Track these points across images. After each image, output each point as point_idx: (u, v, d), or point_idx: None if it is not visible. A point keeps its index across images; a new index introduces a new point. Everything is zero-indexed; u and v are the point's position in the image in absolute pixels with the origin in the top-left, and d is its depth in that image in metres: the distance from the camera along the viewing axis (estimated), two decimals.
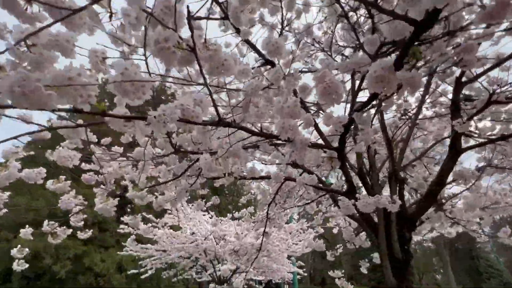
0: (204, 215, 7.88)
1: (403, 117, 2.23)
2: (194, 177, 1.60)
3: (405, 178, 1.71)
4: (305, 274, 7.80)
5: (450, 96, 2.21)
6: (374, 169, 1.86)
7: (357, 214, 1.95)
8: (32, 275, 12.23)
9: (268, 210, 2.09)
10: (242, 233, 6.17)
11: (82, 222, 1.97)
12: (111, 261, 11.71)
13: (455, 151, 1.51)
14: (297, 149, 1.00)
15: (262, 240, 2.18)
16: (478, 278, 31.27)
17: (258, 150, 1.86)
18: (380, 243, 1.46)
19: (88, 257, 11.87)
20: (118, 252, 7.82)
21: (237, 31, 1.55)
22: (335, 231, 4.20)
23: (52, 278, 11.76)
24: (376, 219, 1.62)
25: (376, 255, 3.12)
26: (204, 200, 8.50)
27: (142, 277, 7.28)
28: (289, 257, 8.95)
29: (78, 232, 2.25)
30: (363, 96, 1.85)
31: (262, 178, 2.03)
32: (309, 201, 2.58)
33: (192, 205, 7.64)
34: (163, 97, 21.08)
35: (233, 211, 6.82)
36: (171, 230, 7.23)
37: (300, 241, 8.11)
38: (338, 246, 3.30)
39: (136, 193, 1.46)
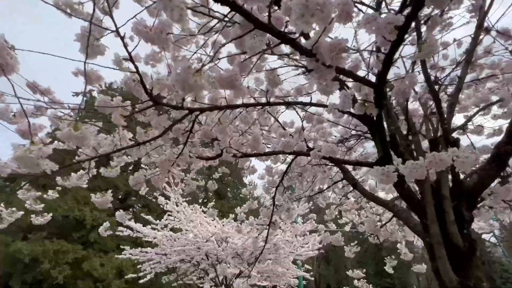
0: (205, 217, 7.51)
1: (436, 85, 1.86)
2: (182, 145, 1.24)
3: (458, 139, 1.32)
4: (312, 279, 7.32)
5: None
6: (414, 131, 1.46)
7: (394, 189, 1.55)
8: (32, 280, 11.91)
9: (275, 194, 1.71)
10: (245, 229, 5.76)
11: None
12: (111, 266, 11.34)
13: None
14: (323, 68, 0.64)
15: (268, 232, 1.79)
16: (491, 284, 30.31)
17: (262, 114, 1.49)
18: (430, 227, 1.07)
19: (87, 262, 11.51)
20: (116, 256, 7.44)
21: None
22: (347, 228, 3.80)
23: (52, 283, 11.42)
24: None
25: (405, 250, 2.69)
26: (205, 201, 8.12)
27: (141, 281, 6.89)
28: (294, 262, 8.48)
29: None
30: None
31: (267, 154, 1.65)
32: (323, 188, 2.18)
33: (194, 205, 7.29)
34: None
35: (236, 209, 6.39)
36: (171, 232, 6.86)
37: (306, 243, 7.68)
38: (354, 243, 2.89)
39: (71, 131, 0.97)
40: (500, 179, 1.23)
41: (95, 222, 12.30)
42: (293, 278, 8.72)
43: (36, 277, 11.62)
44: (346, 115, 1.72)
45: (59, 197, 13.02)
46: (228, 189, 28.62)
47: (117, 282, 11.50)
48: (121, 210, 7.31)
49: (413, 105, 2.28)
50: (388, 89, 1.42)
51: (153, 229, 7.20)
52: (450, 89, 1.95)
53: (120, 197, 15.66)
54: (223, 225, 6.80)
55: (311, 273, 7.28)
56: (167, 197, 7.42)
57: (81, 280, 11.71)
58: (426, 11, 1.28)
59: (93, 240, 12.27)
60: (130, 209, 16.31)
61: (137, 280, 7.59)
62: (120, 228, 7.31)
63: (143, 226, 7.35)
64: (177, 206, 7.36)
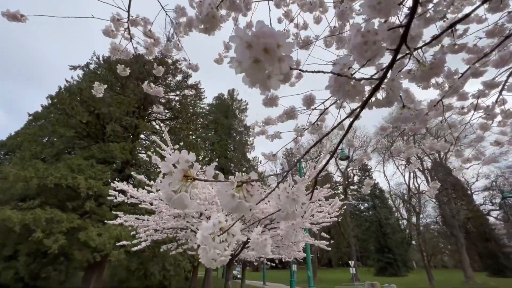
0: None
1: None
2: None
3: None
4: (329, 249, 6.56)
5: None
6: None
7: None
8: (27, 250, 11.45)
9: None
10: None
11: None
12: (108, 236, 10.72)
13: None
14: None
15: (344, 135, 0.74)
16: (494, 260, 30.55)
17: None
18: None
19: (83, 232, 10.91)
20: (112, 222, 6.64)
21: None
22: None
23: (47, 253, 10.92)
24: None
25: None
26: (207, 159, 7.17)
27: (135, 248, 6.13)
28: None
29: None
30: None
31: None
32: None
33: (194, 165, 6.35)
34: (164, 67, 19.55)
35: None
36: None
37: (322, 211, 6.84)
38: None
39: None
40: None
41: (91, 191, 11.57)
42: (299, 252, 8.07)
43: (31, 246, 11.12)
44: None
45: (51, 165, 12.02)
46: (232, 164, 27.94)
47: (115, 252, 10.96)
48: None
49: None
50: None
51: (149, 192, 6.37)
52: None
53: (117, 167, 14.86)
54: None
55: (331, 241, 6.48)
56: (163, 157, 6.47)
57: (78, 251, 11.20)
58: None
59: (89, 209, 11.61)
60: (130, 180, 15.56)
61: (137, 250, 6.93)
62: (111, 192, 6.48)
63: (137, 189, 6.54)
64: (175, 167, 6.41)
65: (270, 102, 1.06)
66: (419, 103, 0.77)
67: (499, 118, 1.72)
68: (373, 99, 0.59)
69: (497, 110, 1.47)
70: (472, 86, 1.58)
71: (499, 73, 1.19)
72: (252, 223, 6.33)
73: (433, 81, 1.29)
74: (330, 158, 0.96)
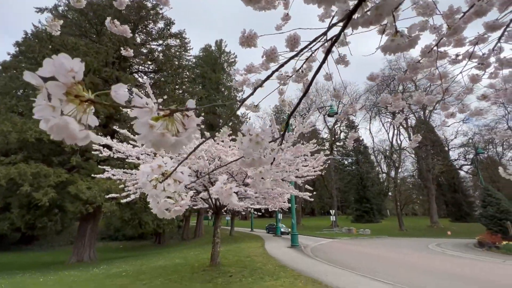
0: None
1: None
2: None
3: None
4: (312, 199, 6.97)
5: None
6: None
7: None
8: (18, 203, 11.60)
9: None
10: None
11: None
12: (98, 189, 10.90)
13: None
14: None
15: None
16: (458, 208, 34.16)
17: None
18: None
19: (73, 186, 11.01)
20: (93, 175, 6.63)
21: None
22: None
23: (49, 208, 11.13)
24: None
25: None
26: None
27: (123, 201, 6.28)
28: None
29: None
30: None
31: None
32: None
33: None
34: (143, 12, 17.63)
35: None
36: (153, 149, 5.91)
37: (306, 165, 7.04)
38: None
39: None
40: None
41: (76, 146, 11.34)
42: (284, 202, 8.55)
43: (21, 199, 11.25)
44: None
45: (29, 119, 11.40)
46: (220, 120, 27.65)
47: (107, 204, 11.29)
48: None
49: None
50: None
51: (134, 146, 6.28)
52: None
53: (101, 122, 14.36)
54: (214, 141, 5.85)
55: (315, 192, 6.85)
56: None
57: (70, 203, 11.46)
58: None
59: (76, 164, 11.53)
60: (115, 135, 15.27)
61: (129, 202, 7.10)
62: (95, 146, 6.33)
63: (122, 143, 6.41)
64: None
65: (247, 40, 0.92)
66: (414, 27, 0.66)
67: (491, 69, 1.65)
68: (357, 14, 0.48)
69: (492, 59, 1.39)
70: (470, 32, 1.46)
71: (504, 14, 1.07)
72: (237, 174, 6.50)
73: (430, 21, 1.16)
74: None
